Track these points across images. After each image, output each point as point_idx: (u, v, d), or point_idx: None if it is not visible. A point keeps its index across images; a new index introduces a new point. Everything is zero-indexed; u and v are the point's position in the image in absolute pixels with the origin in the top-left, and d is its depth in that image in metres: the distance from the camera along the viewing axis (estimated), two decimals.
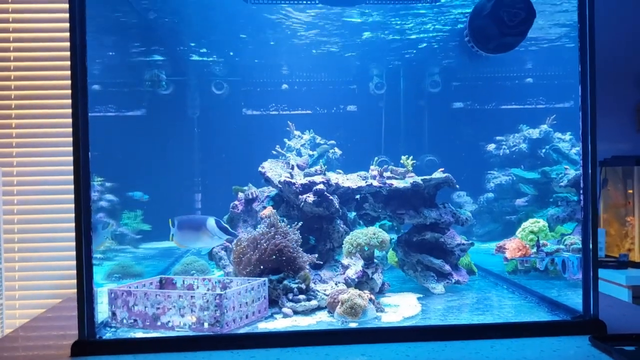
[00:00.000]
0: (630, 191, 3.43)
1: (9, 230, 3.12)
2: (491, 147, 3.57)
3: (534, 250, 2.14)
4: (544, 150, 3.18)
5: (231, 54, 3.59)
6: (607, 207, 3.77)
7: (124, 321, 1.79)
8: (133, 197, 3.46)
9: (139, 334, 1.72)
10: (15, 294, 3.12)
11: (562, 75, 3.59)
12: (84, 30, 1.61)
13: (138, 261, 3.13)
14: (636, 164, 3.47)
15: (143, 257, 3.32)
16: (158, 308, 1.75)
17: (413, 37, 3.33)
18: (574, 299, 1.81)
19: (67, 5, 1.60)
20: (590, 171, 1.70)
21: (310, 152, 3.17)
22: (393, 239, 2.46)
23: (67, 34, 1.61)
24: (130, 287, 1.84)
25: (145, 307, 1.77)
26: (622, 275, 3.23)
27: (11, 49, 3.12)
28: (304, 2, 2.42)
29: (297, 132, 3.32)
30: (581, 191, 1.71)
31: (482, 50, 2.29)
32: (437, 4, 2.56)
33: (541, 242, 2.16)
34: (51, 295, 3.10)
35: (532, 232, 2.17)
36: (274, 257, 1.95)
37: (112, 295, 1.81)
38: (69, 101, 1.62)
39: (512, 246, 2.13)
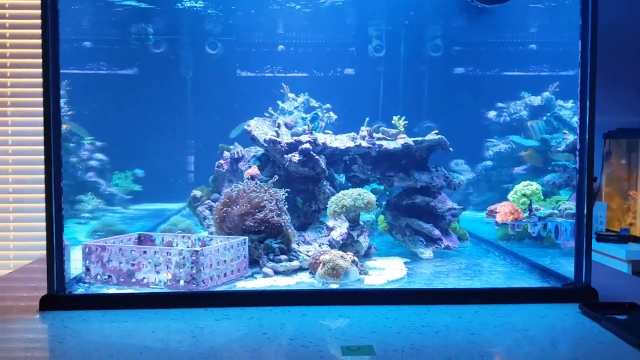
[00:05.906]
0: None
1: (4, 180, 3.07)
2: (492, 114, 3.46)
3: (526, 214, 2.05)
4: (545, 118, 3.07)
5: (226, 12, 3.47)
6: (609, 181, 3.68)
7: (98, 277, 1.73)
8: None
9: (112, 290, 1.66)
10: (9, 244, 3.10)
11: (567, 42, 3.46)
12: None
13: (125, 221, 3.08)
14: None
15: (132, 217, 3.27)
16: (133, 264, 1.69)
17: None
18: (567, 267, 1.73)
19: None
20: (587, 134, 1.61)
21: (303, 115, 3.08)
22: (383, 204, 2.38)
23: None
24: (105, 242, 1.78)
25: (120, 263, 1.70)
26: (622, 250, 3.17)
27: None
28: None
29: (291, 95, 3.23)
30: (577, 152, 1.62)
31: (479, 1, 2.16)
32: None
33: (534, 206, 2.06)
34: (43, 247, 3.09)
35: (524, 195, 2.07)
36: (256, 216, 1.88)
37: (87, 250, 1.74)
38: None
39: (504, 210, 2.04)
